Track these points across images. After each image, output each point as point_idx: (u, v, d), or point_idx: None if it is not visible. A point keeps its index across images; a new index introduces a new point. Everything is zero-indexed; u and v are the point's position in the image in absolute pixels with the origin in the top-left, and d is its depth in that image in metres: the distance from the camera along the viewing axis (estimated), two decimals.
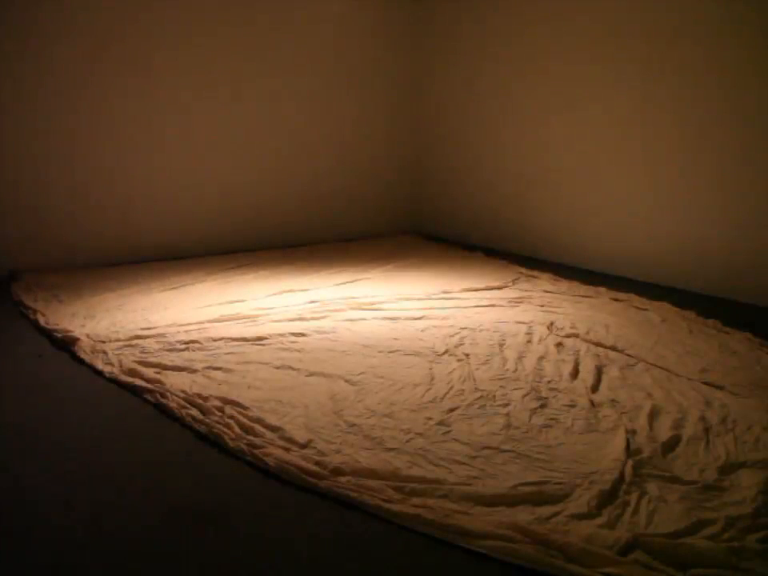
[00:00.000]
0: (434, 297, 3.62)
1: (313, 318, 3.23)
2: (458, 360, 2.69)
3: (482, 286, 3.78)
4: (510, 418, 2.21)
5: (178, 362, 2.67)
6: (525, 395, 2.38)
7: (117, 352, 2.76)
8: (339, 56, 5.01)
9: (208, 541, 1.63)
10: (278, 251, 4.68)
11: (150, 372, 2.55)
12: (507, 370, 2.61)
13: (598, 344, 2.88)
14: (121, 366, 2.61)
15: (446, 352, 2.79)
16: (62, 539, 1.64)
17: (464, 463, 1.93)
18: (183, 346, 2.84)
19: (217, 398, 2.31)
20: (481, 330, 3.05)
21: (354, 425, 2.16)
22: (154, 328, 3.06)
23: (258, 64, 4.70)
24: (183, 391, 2.37)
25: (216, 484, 1.89)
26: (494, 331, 2.98)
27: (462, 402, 2.33)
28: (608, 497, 1.76)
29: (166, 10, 4.33)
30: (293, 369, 2.64)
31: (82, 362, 2.72)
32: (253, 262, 4.38)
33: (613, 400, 2.34)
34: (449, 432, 2.12)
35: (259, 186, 4.78)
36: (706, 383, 2.47)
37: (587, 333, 3.01)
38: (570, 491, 1.79)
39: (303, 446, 2.01)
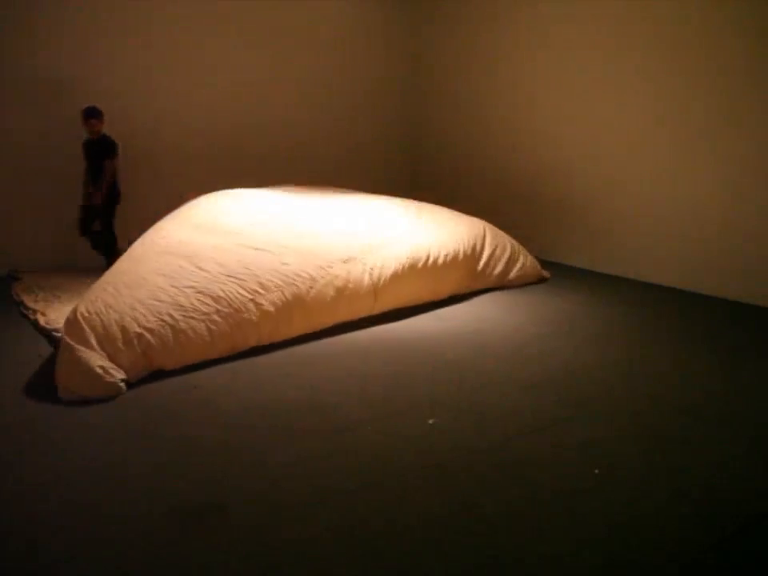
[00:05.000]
0: None
1: None
2: None
3: None
4: None
5: None
6: None
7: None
8: (336, 55, 5.03)
9: (208, 539, 1.63)
10: None
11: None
12: None
13: None
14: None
15: None
16: (63, 539, 1.64)
17: None
18: None
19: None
20: None
21: None
22: None
23: (257, 61, 4.70)
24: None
25: (217, 483, 1.88)
26: None
27: None
28: None
29: (174, 10, 4.34)
30: None
31: None
32: None
33: None
34: None
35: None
36: None
37: None
38: None
39: None
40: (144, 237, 3.12)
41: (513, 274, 3.81)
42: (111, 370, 2.43)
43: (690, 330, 3.11)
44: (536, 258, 4.03)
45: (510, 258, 3.81)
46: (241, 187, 3.78)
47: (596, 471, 1.90)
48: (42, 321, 3.15)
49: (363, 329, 3.15)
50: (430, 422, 2.20)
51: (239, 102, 4.68)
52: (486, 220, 4.15)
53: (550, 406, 2.32)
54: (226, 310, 2.72)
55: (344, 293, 3.06)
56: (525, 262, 3.88)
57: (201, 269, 2.81)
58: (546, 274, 4.03)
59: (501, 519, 1.70)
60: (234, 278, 2.82)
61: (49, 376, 2.48)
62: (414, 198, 4.17)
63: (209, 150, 4.60)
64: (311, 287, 2.96)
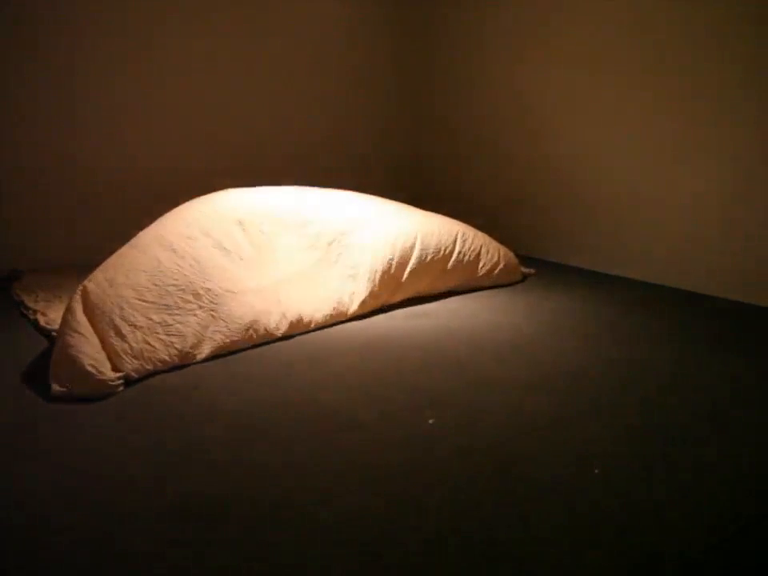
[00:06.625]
0: None
1: None
2: None
3: None
4: None
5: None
6: None
7: None
8: (330, 55, 5.02)
9: (208, 539, 1.63)
10: None
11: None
12: None
13: None
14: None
15: None
16: (62, 538, 1.64)
17: None
18: None
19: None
20: None
21: None
22: None
23: (253, 64, 4.70)
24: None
25: (217, 483, 1.89)
26: None
27: None
28: None
29: (165, 5, 4.35)
30: None
31: None
32: None
33: None
34: None
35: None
36: None
37: None
38: None
39: None
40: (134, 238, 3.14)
41: (496, 272, 3.79)
42: (104, 369, 2.44)
43: (690, 329, 3.11)
44: (535, 258, 4.03)
45: (490, 256, 3.79)
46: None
47: (596, 471, 1.90)
48: (42, 321, 3.15)
49: (357, 326, 3.16)
50: (430, 421, 2.20)
51: (226, 104, 4.67)
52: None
53: (549, 406, 2.32)
54: (207, 305, 2.79)
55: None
56: (507, 260, 3.87)
57: (179, 265, 2.85)
58: (528, 271, 4.03)
59: (500, 519, 1.70)
60: (209, 273, 2.91)
61: (47, 375, 2.48)
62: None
63: (196, 153, 4.60)
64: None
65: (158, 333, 2.63)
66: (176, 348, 2.65)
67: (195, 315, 2.75)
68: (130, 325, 2.59)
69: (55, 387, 2.39)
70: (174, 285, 2.77)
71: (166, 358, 2.61)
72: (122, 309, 2.61)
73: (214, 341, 2.76)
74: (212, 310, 2.80)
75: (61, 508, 1.77)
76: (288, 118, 4.88)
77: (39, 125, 4.06)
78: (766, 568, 1.53)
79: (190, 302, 2.77)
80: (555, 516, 1.71)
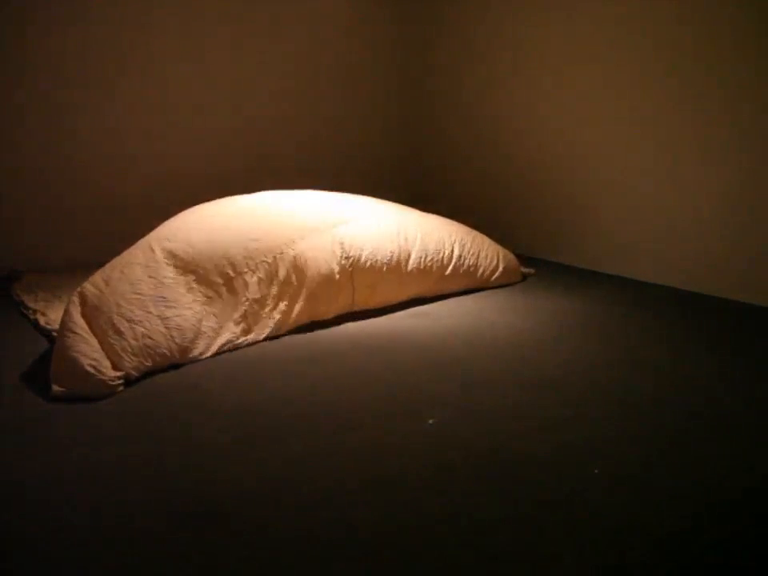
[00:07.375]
0: None
1: None
2: None
3: None
4: None
5: None
6: None
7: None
8: (328, 54, 5.01)
9: (208, 539, 1.63)
10: None
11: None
12: None
13: None
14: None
15: None
16: (62, 539, 1.64)
17: None
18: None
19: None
20: None
21: None
22: None
23: (247, 65, 4.69)
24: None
25: (217, 483, 1.89)
26: None
27: None
28: None
29: (164, 6, 4.34)
30: None
31: None
32: None
33: None
34: None
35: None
36: None
37: None
38: None
39: None
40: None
41: (495, 274, 3.76)
42: (103, 369, 2.44)
43: (690, 330, 3.11)
44: (534, 257, 4.02)
45: (490, 259, 3.75)
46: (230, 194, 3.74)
47: (596, 471, 1.90)
48: (42, 321, 3.15)
49: (357, 326, 3.16)
50: (430, 422, 2.20)
51: (227, 105, 4.66)
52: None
53: (550, 406, 2.32)
54: (201, 299, 2.81)
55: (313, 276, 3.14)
56: (506, 261, 3.85)
57: (173, 255, 2.88)
58: (528, 271, 4.01)
59: (501, 519, 1.70)
60: (206, 262, 2.92)
61: (47, 375, 2.48)
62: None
63: (195, 153, 4.60)
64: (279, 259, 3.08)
65: (157, 325, 2.63)
66: (176, 342, 2.64)
67: (191, 308, 2.75)
68: (128, 321, 2.59)
69: (55, 388, 2.39)
70: (168, 277, 2.78)
71: (166, 352, 2.61)
72: (119, 306, 2.61)
73: (210, 336, 2.77)
74: (205, 305, 2.80)
75: (61, 508, 1.77)
76: (287, 118, 4.88)
77: (39, 126, 4.06)
78: (766, 567, 1.54)
79: (185, 295, 2.77)
80: (556, 515, 1.71)
